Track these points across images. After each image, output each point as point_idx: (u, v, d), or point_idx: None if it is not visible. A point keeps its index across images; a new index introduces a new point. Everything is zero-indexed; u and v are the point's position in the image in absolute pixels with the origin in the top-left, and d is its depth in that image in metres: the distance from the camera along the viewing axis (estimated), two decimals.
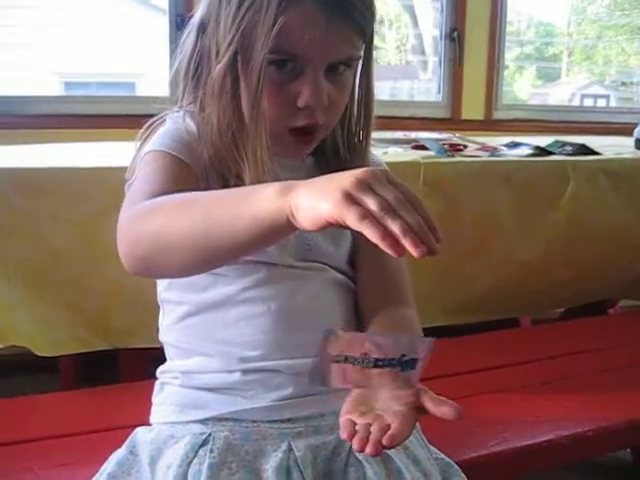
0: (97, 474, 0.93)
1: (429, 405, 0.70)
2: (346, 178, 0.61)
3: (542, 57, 4.68)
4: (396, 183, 0.62)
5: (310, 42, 0.81)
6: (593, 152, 1.84)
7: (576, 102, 4.62)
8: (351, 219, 0.59)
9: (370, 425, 0.69)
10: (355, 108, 0.96)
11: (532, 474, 1.82)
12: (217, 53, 0.85)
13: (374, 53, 0.94)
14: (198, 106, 0.90)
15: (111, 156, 1.43)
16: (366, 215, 0.59)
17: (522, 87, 4.59)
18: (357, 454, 0.89)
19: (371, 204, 0.59)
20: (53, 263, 1.36)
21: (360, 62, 0.91)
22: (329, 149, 0.97)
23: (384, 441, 0.67)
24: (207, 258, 0.74)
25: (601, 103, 4.67)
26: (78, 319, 1.41)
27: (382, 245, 0.58)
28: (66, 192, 1.35)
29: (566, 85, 4.76)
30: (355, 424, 0.70)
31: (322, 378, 0.70)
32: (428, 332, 1.58)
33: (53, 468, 1.08)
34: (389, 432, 0.68)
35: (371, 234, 0.58)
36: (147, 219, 0.76)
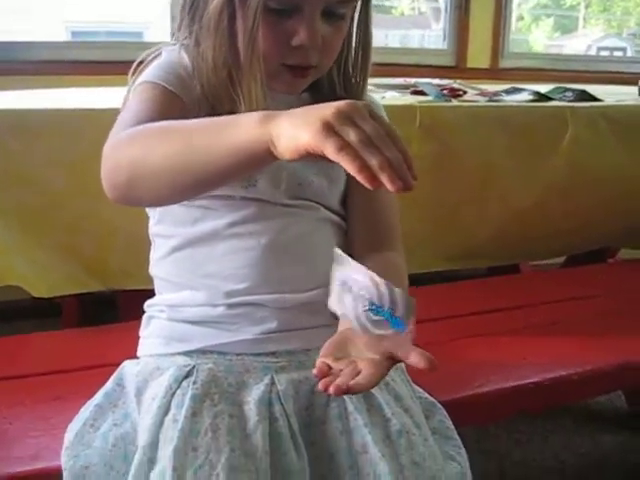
0: (85, 405, 0.96)
1: (402, 355, 0.70)
2: (328, 108, 0.61)
3: (559, 8, 4.58)
4: (377, 117, 0.62)
5: None
6: (594, 98, 1.81)
7: (592, 54, 4.53)
8: (329, 149, 0.59)
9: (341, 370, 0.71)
10: (353, 49, 0.95)
11: (523, 418, 1.86)
12: None
13: None
14: (193, 41, 0.89)
15: (109, 99, 1.42)
16: (344, 146, 0.59)
17: (537, 38, 4.50)
18: None
19: (350, 135, 0.59)
20: (48, 205, 1.37)
21: (359, 3, 0.90)
22: (325, 87, 0.96)
23: (347, 385, 0.68)
24: (185, 186, 0.75)
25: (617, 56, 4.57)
26: (74, 261, 1.42)
27: (359, 177, 0.59)
28: (60, 134, 1.35)
29: (582, 37, 4.66)
30: (330, 367, 0.72)
31: (333, 305, 0.72)
32: (428, 277, 1.61)
33: (44, 402, 1.10)
34: (356, 378, 0.69)
35: (348, 165, 0.59)
36: (127, 146, 0.76)
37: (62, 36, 4.61)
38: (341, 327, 0.84)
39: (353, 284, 0.70)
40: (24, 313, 1.96)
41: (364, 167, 0.58)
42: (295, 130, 0.62)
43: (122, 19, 4.50)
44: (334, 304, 0.73)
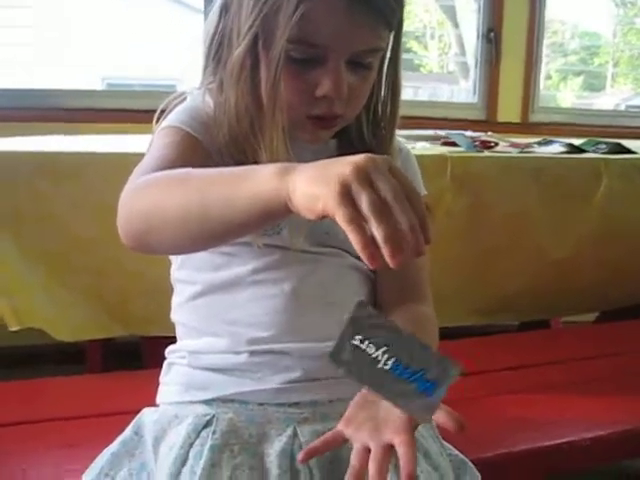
0: (101, 454, 0.93)
1: None
2: (346, 166, 0.59)
3: (587, 67, 4.60)
4: (397, 174, 0.60)
5: (331, 33, 0.79)
6: (628, 151, 1.79)
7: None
8: (340, 218, 0.57)
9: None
10: (382, 96, 0.93)
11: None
12: (238, 35, 0.83)
13: (402, 42, 0.90)
14: (217, 87, 0.88)
15: (139, 144, 1.43)
16: (353, 219, 0.57)
17: (566, 97, 4.50)
18: None
19: (364, 201, 0.57)
20: (74, 248, 1.37)
21: (388, 51, 0.89)
22: (354, 134, 0.94)
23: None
24: (201, 236, 0.72)
25: None
26: (97, 305, 1.42)
27: (361, 254, 0.57)
28: (88, 177, 1.36)
29: (611, 96, 4.66)
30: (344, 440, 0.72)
31: (338, 359, 0.63)
32: (459, 331, 1.57)
33: (59, 448, 1.08)
34: (403, 470, 0.67)
35: (354, 239, 0.57)
36: (143, 194, 0.75)
37: (99, 88, 4.71)
38: None
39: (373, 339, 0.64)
40: (50, 358, 1.96)
41: (367, 245, 0.57)
42: (311, 188, 0.60)
43: (156, 73, 4.58)
44: (338, 358, 0.64)
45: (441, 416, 0.67)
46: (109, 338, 1.55)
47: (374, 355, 0.63)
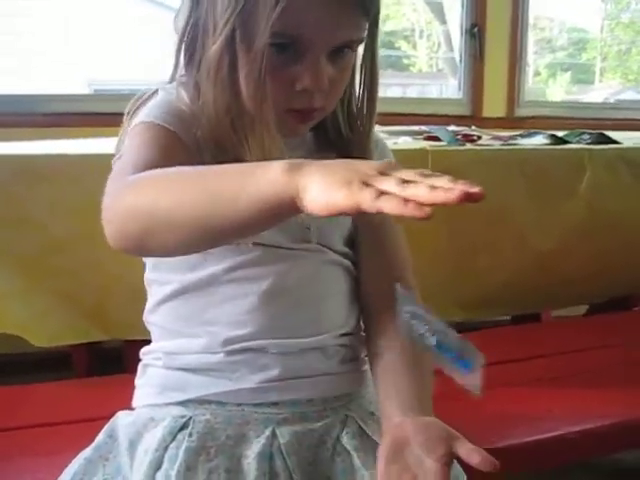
0: (74, 460, 0.90)
1: (463, 455, 0.71)
2: (363, 165, 0.56)
3: (575, 63, 4.60)
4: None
5: (313, 24, 0.77)
6: (612, 141, 1.78)
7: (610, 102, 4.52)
8: (366, 198, 0.52)
9: None
10: (358, 87, 0.91)
11: (550, 474, 1.76)
12: (214, 31, 0.80)
13: (379, 32, 0.88)
14: (192, 85, 0.85)
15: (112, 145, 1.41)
16: (382, 192, 0.52)
17: (555, 92, 4.50)
18: (344, 443, 0.87)
19: (388, 184, 0.53)
20: (50, 251, 1.35)
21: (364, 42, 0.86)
22: (330, 126, 0.92)
23: None
24: (208, 236, 0.68)
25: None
26: (75, 309, 1.39)
27: (406, 211, 0.50)
28: (62, 179, 1.33)
29: (599, 91, 4.67)
30: None
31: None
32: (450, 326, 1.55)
33: (33, 456, 1.06)
34: None
35: (390, 206, 0.51)
36: (140, 193, 0.70)
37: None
38: (386, 425, 0.81)
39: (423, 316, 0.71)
40: (34, 365, 1.93)
41: (406, 202, 0.51)
42: (326, 187, 0.55)
43: (143, 78, 4.56)
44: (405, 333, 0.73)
45: (474, 456, 0.71)
46: (94, 342, 1.52)
47: (421, 331, 0.70)
